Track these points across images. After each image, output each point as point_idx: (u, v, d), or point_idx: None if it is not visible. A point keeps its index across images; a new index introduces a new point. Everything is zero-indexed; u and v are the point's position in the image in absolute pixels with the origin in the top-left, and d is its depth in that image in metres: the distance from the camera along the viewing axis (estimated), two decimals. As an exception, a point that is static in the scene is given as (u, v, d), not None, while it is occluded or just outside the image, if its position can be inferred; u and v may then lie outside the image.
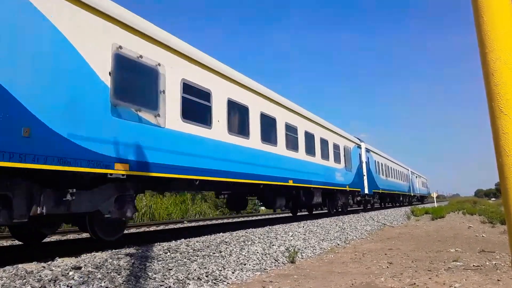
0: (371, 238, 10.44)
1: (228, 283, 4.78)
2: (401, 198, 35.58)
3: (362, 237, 10.60)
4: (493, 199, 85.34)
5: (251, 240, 7.42)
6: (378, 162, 25.06)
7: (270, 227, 9.91)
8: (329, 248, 8.19)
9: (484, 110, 1.61)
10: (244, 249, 6.58)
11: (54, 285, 3.68)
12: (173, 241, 6.69)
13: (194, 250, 5.94)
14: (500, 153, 1.49)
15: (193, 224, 16.01)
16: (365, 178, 20.84)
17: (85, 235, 11.66)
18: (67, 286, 3.71)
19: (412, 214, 20.14)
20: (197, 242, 6.64)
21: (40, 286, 3.60)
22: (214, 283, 4.66)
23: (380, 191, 24.90)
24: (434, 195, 38.03)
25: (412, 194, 41.84)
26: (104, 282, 3.93)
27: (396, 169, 32.51)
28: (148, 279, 4.30)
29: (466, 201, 47.24)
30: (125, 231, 12.66)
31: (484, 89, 1.58)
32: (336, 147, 16.52)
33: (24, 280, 3.65)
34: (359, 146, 20.99)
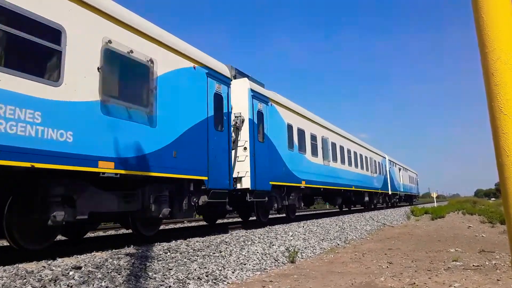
0: (371, 238, 10.45)
1: (228, 282, 4.78)
2: (366, 198, 22.35)
3: (362, 237, 10.60)
4: (493, 199, 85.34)
5: (251, 240, 7.42)
6: (295, 128, 12.89)
7: (270, 227, 9.91)
8: (329, 248, 8.19)
9: (484, 110, 1.61)
10: (244, 249, 6.58)
11: (54, 284, 3.68)
12: (173, 241, 6.69)
13: (194, 250, 5.95)
14: (500, 153, 1.49)
15: (193, 224, 16.00)
16: (244, 153, 9.87)
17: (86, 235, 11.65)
18: (68, 285, 3.71)
19: (412, 214, 20.15)
20: (197, 242, 6.64)
21: (40, 286, 3.60)
22: (214, 282, 4.66)
23: (303, 185, 12.76)
24: (434, 195, 38.15)
25: (390, 193, 29.06)
26: (105, 281, 3.94)
27: (352, 151, 20.15)
28: (148, 278, 4.30)
29: (466, 201, 47.23)
30: (126, 231, 12.67)
31: (484, 89, 1.58)
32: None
33: (25, 280, 3.65)
34: (216, 78, 8.88)
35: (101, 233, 12.05)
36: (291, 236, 8.51)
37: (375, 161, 25.61)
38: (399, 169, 35.20)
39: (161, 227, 14.05)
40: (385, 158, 29.55)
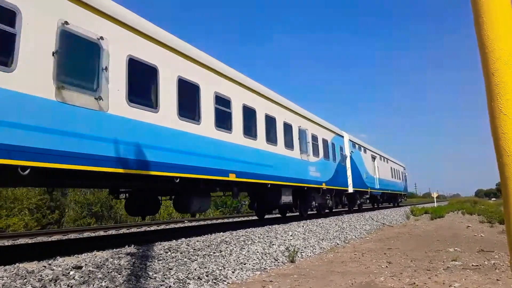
0: (370, 237, 10.46)
1: (228, 282, 4.79)
2: (286, 199, 12.07)
3: (361, 236, 10.60)
4: (494, 199, 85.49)
5: (251, 239, 7.42)
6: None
7: (270, 226, 9.92)
8: (329, 248, 8.19)
9: (484, 109, 1.62)
10: (244, 248, 6.59)
11: (55, 284, 3.69)
12: (174, 241, 6.70)
13: (194, 249, 5.95)
14: (500, 153, 1.50)
15: (193, 223, 16.01)
16: None
17: (86, 234, 11.66)
18: (68, 285, 3.71)
19: (411, 214, 20.18)
20: (197, 241, 6.64)
21: (41, 285, 3.60)
22: (214, 282, 4.67)
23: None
24: (435, 195, 38.22)
25: (351, 190, 18.73)
26: (105, 281, 3.94)
27: (244, 107, 10.11)
28: (149, 278, 4.31)
29: (466, 201, 47.33)
30: (126, 231, 12.68)
31: (484, 89, 1.59)
32: None
33: (25, 280, 3.65)
34: None
35: (101, 233, 12.06)
36: (291, 235, 8.52)
37: (315, 136, 14.68)
38: (373, 158, 24.48)
39: (162, 227, 14.07)
40: (343, 137, 18.72)
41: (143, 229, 13.41)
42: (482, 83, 1.60)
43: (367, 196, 22.67)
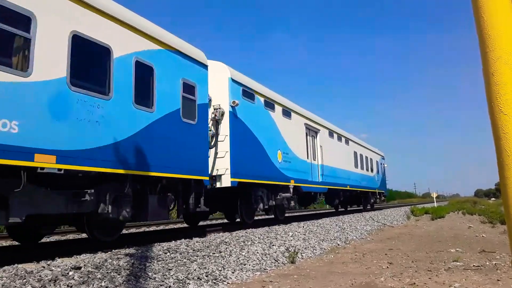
0: (371, 238, 10.44)
1: (228, 283, 4.78)
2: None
3: (362, 237, 10.59)
4: (493, 199, 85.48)
5: (251, 240, 7.42)
6: None
7: (270, 227, 9.92)
8: (329, 248, 8.18)
9: (484, 109, 1.61)
10: (244, 249, 6.58)
11: (54, 285, 3.68)
12: (173, 241, 6.69)
13: (194, 250, 5.94)
14: (501, 153, 1.49)
15: (193, 224, 15.99)
16: None
17: (84, 235, 11.67)
18: (67, 286, 3.71)
19: (412, 214, 20.18)
20: (197, 242, 6.64)
21: (40, 286, 3.60)
22: (214, 283, 4.65)
23: None
24: (434, 195, 38.24)
25: (227, 184, 9.26)
26: (104, 282, 3.93)
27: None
28: (148, 279, 4.30)
29: (466, 201, 47.35)
30: (125, 231, 12.67)
31: (484, 89, 1.58)
32: None
33: (24, 280, 3.65)
34: None
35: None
36: (291, 236, 8.51)
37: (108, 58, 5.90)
38: (311, 130, 15.10)
39: (161, 227, 14.05)
40: (204, 67, 8.69)
41: (142, 229, 13.42)
42: (482, 83, 1.59)
43: (288, 194, 12.43)
